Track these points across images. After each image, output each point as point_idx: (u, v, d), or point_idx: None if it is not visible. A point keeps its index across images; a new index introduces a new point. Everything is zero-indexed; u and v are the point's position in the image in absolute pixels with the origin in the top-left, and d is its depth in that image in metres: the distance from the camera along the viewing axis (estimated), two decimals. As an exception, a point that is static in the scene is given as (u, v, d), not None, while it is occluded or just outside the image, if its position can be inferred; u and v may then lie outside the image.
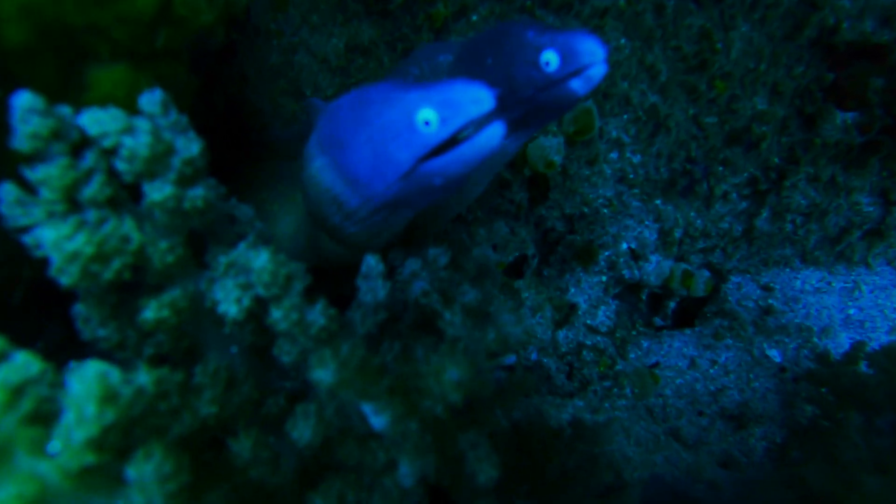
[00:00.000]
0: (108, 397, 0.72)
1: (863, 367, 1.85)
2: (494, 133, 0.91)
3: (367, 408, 0.83)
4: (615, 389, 1.94)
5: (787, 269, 2.32)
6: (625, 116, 1.77)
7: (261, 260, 0.85)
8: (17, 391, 0.75)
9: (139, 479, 0.80)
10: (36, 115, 0.82)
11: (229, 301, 0.88)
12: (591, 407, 1.73)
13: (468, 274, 1.16)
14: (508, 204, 1.87)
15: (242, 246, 0.91)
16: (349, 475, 0.91)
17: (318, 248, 1.40)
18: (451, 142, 0.93)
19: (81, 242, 0.78)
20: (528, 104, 1.16)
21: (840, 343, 2.32)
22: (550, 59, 1.10)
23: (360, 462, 0.87)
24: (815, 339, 2.28)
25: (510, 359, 1.85)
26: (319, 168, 1.13)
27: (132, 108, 0.97)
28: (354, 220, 1.19)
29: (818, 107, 1.79)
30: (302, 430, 0.84)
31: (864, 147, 1.90)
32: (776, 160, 1.93)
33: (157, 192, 0.84)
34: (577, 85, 1.11)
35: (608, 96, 1.72)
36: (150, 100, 0.89)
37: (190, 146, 0.86)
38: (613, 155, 1.84)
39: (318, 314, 0.88)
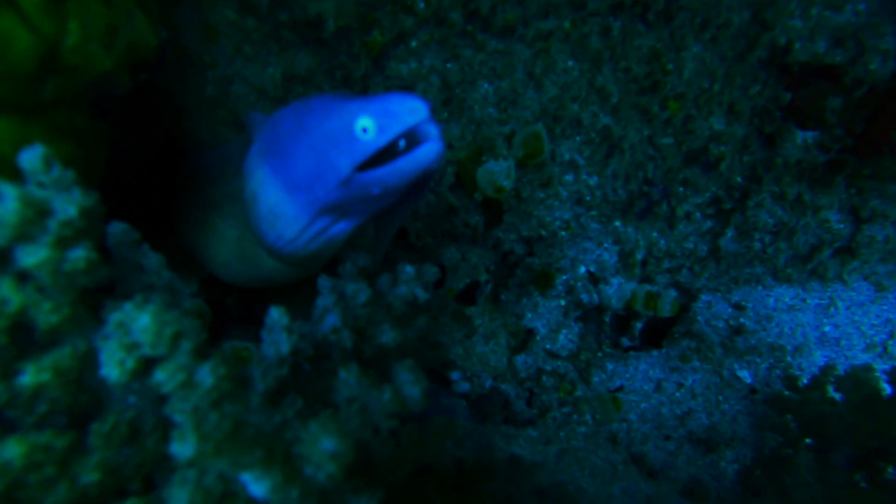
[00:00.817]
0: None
1: (831, 391, 1.79)
2: (431, 149, 0.96)
3: (244, 476, 0.81)
4: (575, 416, 1.90)
5: (760, 287, 2.27)
6: (577, 138, 1.73)
7: (143, 320, 0.83)
8: None
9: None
10: None
11: (111, 363, 0.85)
12: (545, 438, 1.69)
13: (394, 311, 1.13)
14: (463, 227, 1.84)
15: (128, 305, 0.88)
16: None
17: (259, 267, 1.39)
18: (390, 153, 0.98)
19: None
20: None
21: (815, 361, 2.26)
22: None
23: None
24: (789, 359, 2.23)
25: (464, 386, 1.82)
26: (260, 179, 1.13)
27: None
28: (294, 231, 1.18)
29: (777, 126, 1.74)
30: (178, 499, 0.81)
31: (829, 165, 1.84)
32: (739, 179, 1.88)
33: (30, 256, 0.82)
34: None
35: (558, 119, 1.68)
36: (29, 157, 0.86)
37: (67, 207, 0.84)
38: (569, 177, 1.80)
39: (208, 374, 0.85)
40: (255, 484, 0.83)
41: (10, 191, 0.79)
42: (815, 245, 2.09)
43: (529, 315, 1.88)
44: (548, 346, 1.94)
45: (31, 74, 0.89)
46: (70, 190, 0.88)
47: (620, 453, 1.88)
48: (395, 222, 1.17)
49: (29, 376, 0.85)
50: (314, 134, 1.02)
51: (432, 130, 0.97)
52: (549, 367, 1.94)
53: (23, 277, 0.88)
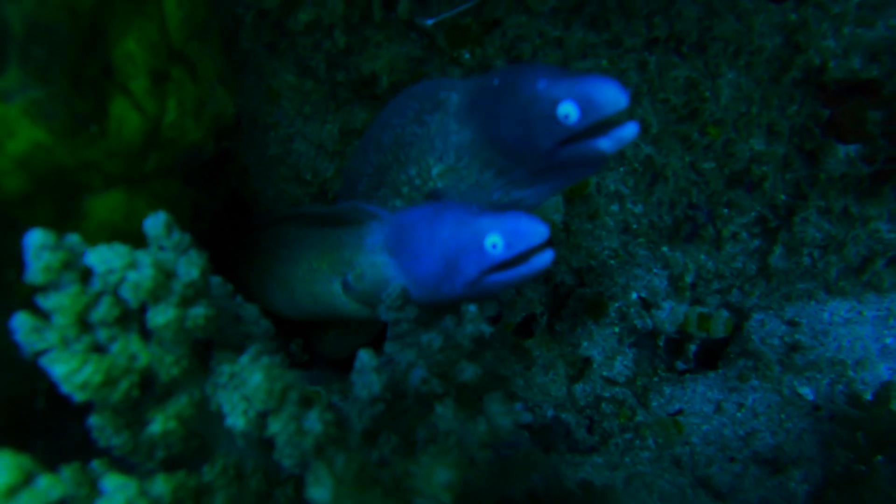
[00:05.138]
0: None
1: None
2: (546, 258, 1.11)
3: (366, 512, 0.86)
4: (637, 441, 1.90)
5: (813, 302, 2.26)
6: (621, 169, 1.79)
7: (255, 379, 0.90)
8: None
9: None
10: (47, 250, 0.89)
11: (236, 414, 0.92)
12: (611, 464, 1.70)
13: (464, 350, 1.19)
14: (514, 262, 1.89)
15: (244, 359, 0.95)
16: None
17: (335, 307, 1.46)
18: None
19: (89, 373, 0.85)
20: (550, 158, 1.12)
21: (878, 374, 2.22)
22: (569, 111, 1.04)
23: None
24: (851, 373, 2.19)
25: (526, 417, 1.85)
26: (386, 271, 1.26)
27: (130, 228, 1.05)
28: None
29: (818, 142, 1.77)
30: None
31: (875, 177, 1.86)
32: (783, 197, 1.90)
33: (161, 315, 0.90)
34: (605, 144, 1.05)
35: (601, 152, 1.74)
36: (154, 224, 0.95)
37: (190, 270, 0.92)
38: (614, 207, 1.85)
39: (316, 421, 0.91)
40: (379, 520, 0.88)
41: (145, 258, 0.87)
42: (868, 256, 2.08)
43: (585, 344, 1.91)
44: (605, 374, 1.96)
45: (138, 150, 1.00)
46: (188, 252, 0.97)
47: (686, 477, 1.87)
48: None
49: (158, 424, 0.92)
50: (448, 245, 1.15)
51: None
52: (607, 394, 1.95)
53: (147, 335, 0.96)
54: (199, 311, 0.92)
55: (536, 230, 1.08)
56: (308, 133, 1.61)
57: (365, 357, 1.07)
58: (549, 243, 1.09)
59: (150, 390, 0.98)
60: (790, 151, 1.83)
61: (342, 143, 1.62)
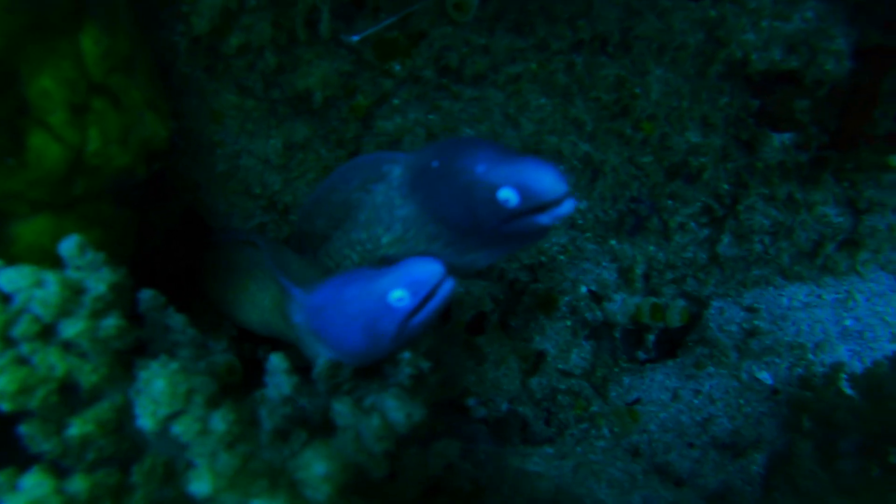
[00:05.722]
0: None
1: (845, 386, 1.81)
2: (448, 288, 1.20)
3: (254, 503, 0.93)
4: (592, 431, 1.96)
5: (771, 288, 2.29)
6: (561, 168, 1.85)
7: (159, 384, 0.98)
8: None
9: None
10: None
11: (145, 416, 1.00)
12: (561, 453, 1.76)
13: (405, 386, 1.27)
14: (467, 262, 1.96)
15: (154, 365, 1.03)
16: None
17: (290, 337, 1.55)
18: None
19: (4, 382, 0.94)
20: (496, 232, 1.17)
21: (839, 356, 2.25)
22: (509, 197, 1.08)
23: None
24: (810, 356, 2.23)
25: (481, 411, 1.91)
26: (311, 342, 1.36)
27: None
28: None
29: (752, 132, 1.82)
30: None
31: (813, 163, 1.90)
32: (725, 186, 1.95)
33: (71, 327, 0.99)
34: (545, 220, 1.10)
35: (539, 151, 1.80)
36: (68, 246, 1.05)
37: (98, 285, 1.01)
38: (559, 204, 1.91)
39: (220, 421, 0.99)
40: (265, 509, 0.95)
41: (51, 276, 0.96)
42: (818, 241, 2.12)
43: (538, 338, 1.97)
44: (560, 366, 2.01)
45: (62, 178, 1.08)
46: (100, 269, 1.05)
47: (641, 464, 1.92)
48: None
49: (76, 428, 1.01)
50: (361, 320, 1.23)
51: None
52: (563, 386, 2.01)
53: (67, 346, 1.05)
54: (110, 323, 1.00)
55: (432, 271, 1.18)
56: (253, 149, 1.69)
57: (275, 360, 1.15)
58: (446, 275, 1.18)
59: (76, 398, 1.07)
60: (728, 142, 1.87)
61: (286, 157, 1.70)
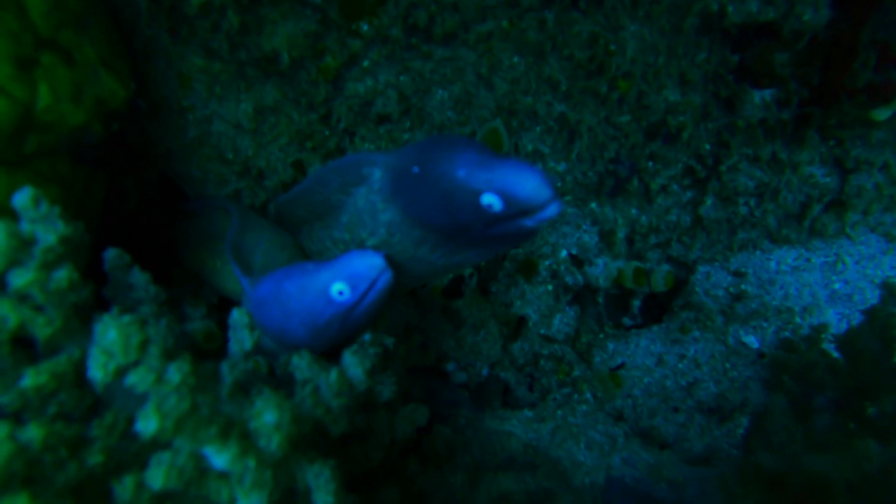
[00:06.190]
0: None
1: (828, 347, 1.78)
2: (385, 280, 1.24)
3: (207, 450, 0.93)
4: (575, 395, 1.94)
5: (758, 252, 2.26)
6: (537, 129, 1.82)
7: (111, 334, 0.98)
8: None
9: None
10: None
11: (95, 367, 1.00)
12: (540, 417, 1.75)
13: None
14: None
15: (106, 318, 1.03)
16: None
17: None
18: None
19: (-48, 330, 0.94)
20: (481, 234, 1.14)
21: (827, 320, 2.23)
22: (492, 202, 1.05)
23: (209, 499, 0.97)
24: (798, 320, 2.20)
25: (461, 376, 1.91)
26: (260, 335, 1.35)
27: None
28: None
29: (732, 89, 1.77)
30: (154, 476, 0.94)
31: (797, 121, 1.85)
32: (707, 146, 1.91)
33: (19, 278, 0.99)
34: (529, 223, 1.06)
35: (514, 112, 1.78)
36: (21, 198, 1.04)
37: (48, 236, 1.00)
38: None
39: (175, 372, 0.98)
40: (217, 457, 0.95)
41: None
42: (804, 202, 2.08)
43: (518, 303, 1.96)
44: (542, 332, 2.00)
45: (11, 133, 1.07)
46: (54, 222, 1.05)
47: (624, 428, 1.91)
48: None
49: (28, 379, 1.01)
50: (304, 316, 1.27)
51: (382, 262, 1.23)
52: (545, 352, 2.00)
53: (22, 298, 1.05)
54: (61, 275, 1.00)
55: (371, 264, 1.21)
56: (224, 113, 1.68)
57: (236, 315, 1.14)
58: (385, 267, 1.22)
59: (34, 353, 1.07)
60: (708, 100, 1.83)
61: (257, 121, 1.69)
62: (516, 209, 1.04)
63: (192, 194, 1.83)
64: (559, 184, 1.92)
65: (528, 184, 1.01)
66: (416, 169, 1.15)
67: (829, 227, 2.17)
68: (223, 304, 1.93)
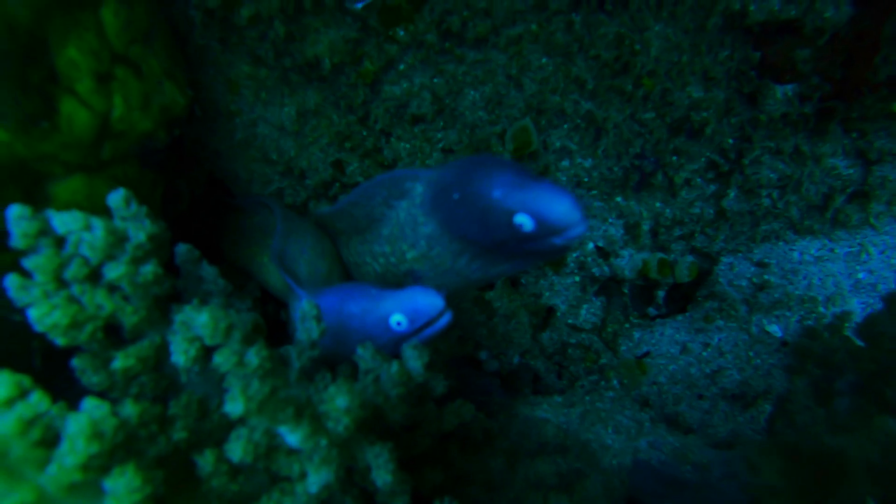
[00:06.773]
0: (95, 434, 0.96)
1: (850, 335, 1.83)
2: (444, 321, 1.31)
3: (281, 429, 1.03)
4: (602, 382, 2.02)
5: (781, 243, 2.31)
6: (565, 126, 1.90)
7: (202, 318, 1.09)
8: (30, 423, 1.00)
9: (113, 492, 1.04)
10: (24, 220, 1.09)
11: (178, 352, 1.11)
12: (569, 402, 1.84)
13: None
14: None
15: (187, 308, 1.14)
16: (278, 484, 1.10)
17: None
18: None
19: (58, 316, 1.05)
20: (516, 249, 1.22)
21: (851, 308, 2.27)
22: (524, 221, 1.12)
23: (278, 473, 1.07)
24: (821, 309, 2.25)
25: (493, 364, 2.00)
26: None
27: (93, 208, 1.25)
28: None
29: (755, 85, 1.83)
30: (234, 450, 1.04)
31: (819, 114, 1.90)
32: (730, 141, 1.97)
33: (112, 270, 1.10)
34: (559, 242, 1.14)
35: (542, 111, 1.85)
36: (114, 197, 1.15)
37: (138, 234, 1.11)
38: (565, 163, 1.96)
39: (254, 356, 1.09)
40: (290, 435, 1.05)
41: (98, 222, 1.07)
42: (827, 193, 2.12)
43: (547, 294, 2.04)
44: (570, 321, 2.08)
45: (92, 142, 1.19)
46: (142, 221, 1.16)
47: (650, 413, 1.98)
48: None
49: (119, 361, 1.12)
50: (358, 333, 1.35)
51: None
52: (573, 341, 2.08)
53: (112, 290, 1.16)
54: (148, 269, 1.11)
55: (433, 304, 1.28)
56: (268, 117, 1.78)
57: (306, 307, 1.24)
58: (445, 309, 1.29)
59: (120, 337, 1.19)
60: (731, 96, 1.89)
61: (299, 124, 1.79)
62: (547, 230, 1.12)
63: (238, 193, 1.94)
64: (586, 178, 1.99)
65: (560, 207, 1.09)
66: (454, 186, 1.24)
67: (852, 217, 2.21)
68: (265, 298, 2.05)
